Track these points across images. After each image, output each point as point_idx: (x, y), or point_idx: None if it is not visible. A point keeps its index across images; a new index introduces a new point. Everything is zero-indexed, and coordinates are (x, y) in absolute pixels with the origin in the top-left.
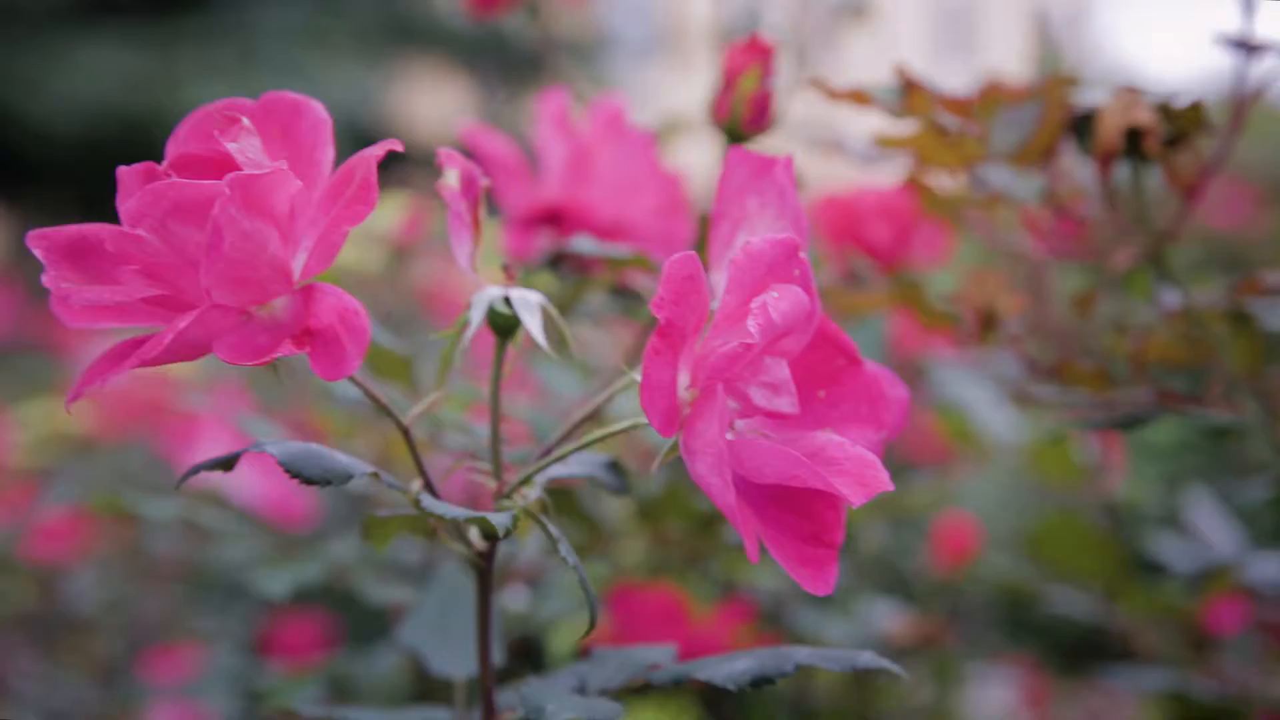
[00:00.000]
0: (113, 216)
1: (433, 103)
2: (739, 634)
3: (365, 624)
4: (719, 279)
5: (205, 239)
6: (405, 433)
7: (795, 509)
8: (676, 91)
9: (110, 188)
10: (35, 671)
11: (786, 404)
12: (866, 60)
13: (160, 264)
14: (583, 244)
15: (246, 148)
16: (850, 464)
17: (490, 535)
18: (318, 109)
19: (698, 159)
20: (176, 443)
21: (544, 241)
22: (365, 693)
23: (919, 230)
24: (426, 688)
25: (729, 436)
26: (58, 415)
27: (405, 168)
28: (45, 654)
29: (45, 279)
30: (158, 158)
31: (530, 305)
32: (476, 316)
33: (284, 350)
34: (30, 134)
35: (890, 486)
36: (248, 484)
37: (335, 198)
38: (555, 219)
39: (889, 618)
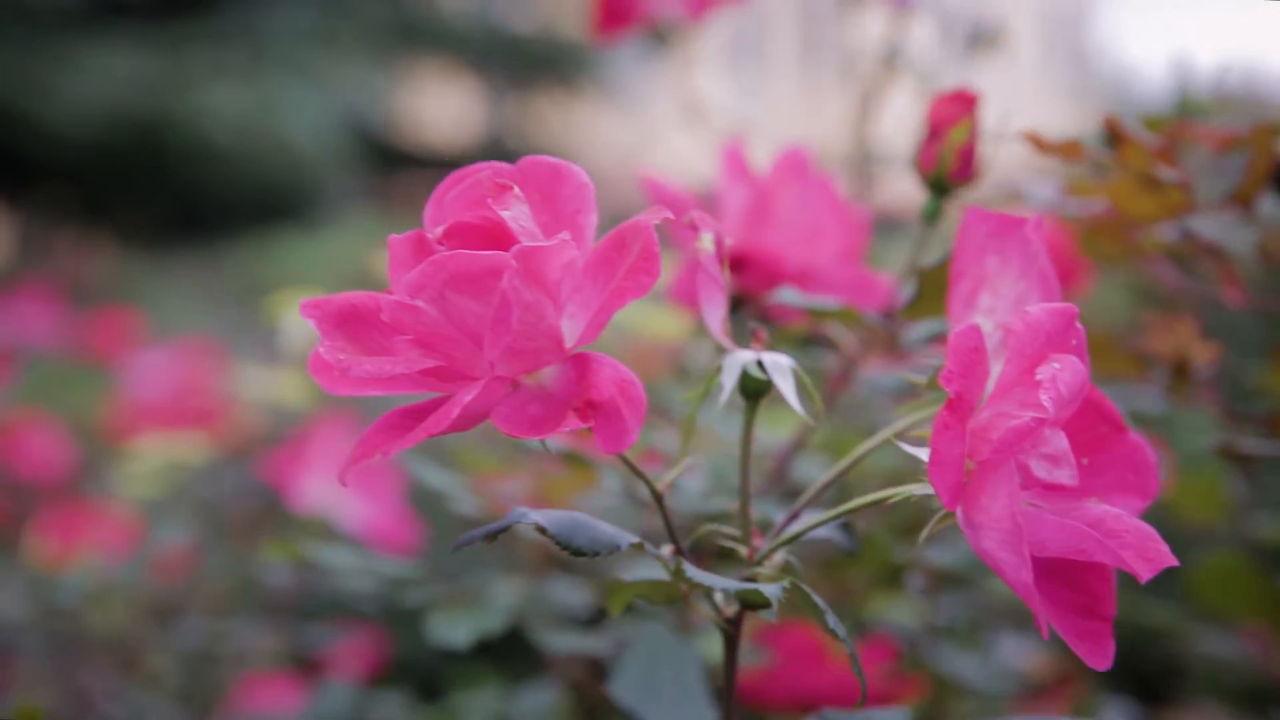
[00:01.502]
0: (115, 217)
1: (441, 105)
2: (879, 672)
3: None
4: None
5: (492, 312)
6: (658, 499)
7: (1068, 582)
8: (681, 92)
9: (118, 190)
10: (125, 695)
11: (1066, 476)
12: None
13: (435, 335)
14: (787, 295)
15: (519, 216)
16: (1131, 536)
17: (757, 606)
18: (579, 174)
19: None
20: (285, 470)
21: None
22: None
23: (1076, 269)
24: None
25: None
26: (171, 446)
27: (414, 173)
28: (139, 679)
29: (321, 349)
30: (166, 160)
31: (783, 369)
32: (729, 381)
33: (569, 424)
34: (39, 136)
35: (1175, 561)
36: (354, 510)
37: (607, 264)
38: (735, 265)
39: (1021, 655)
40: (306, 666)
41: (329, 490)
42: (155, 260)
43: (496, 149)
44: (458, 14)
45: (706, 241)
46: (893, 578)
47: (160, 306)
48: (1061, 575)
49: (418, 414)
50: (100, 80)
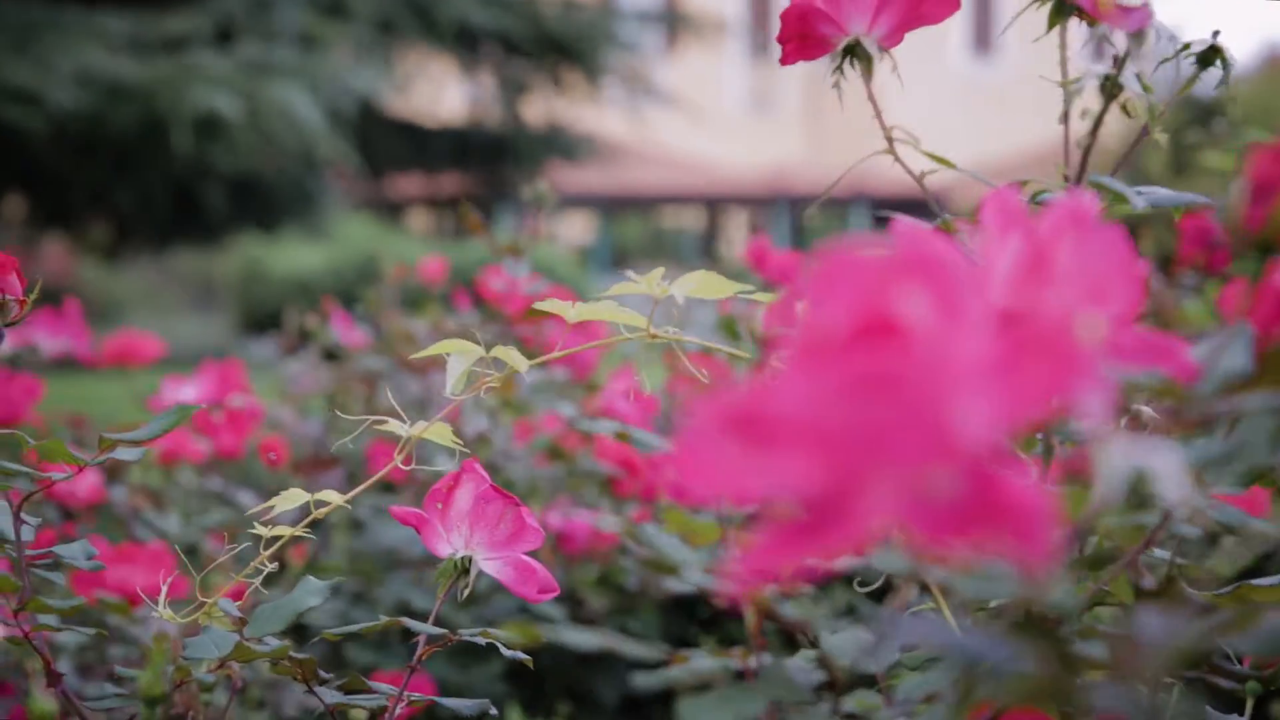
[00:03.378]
0: (112, 209)
1: (443, 94)
2: None
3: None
4: None
5: (899, 415)
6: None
7: None
8: (670, 71)
9: (117, 180)
10: None
11: None
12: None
13: (835, 438)
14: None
15: (918, 311)
16: None
17: None
18: (952, 260)
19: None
20: (425, 514)
21: None
22: None
23: None
24: None
25: None
26: (316, 491)
27: (423, 157)
28: None
29: (715, 454)
30: (167, 140)
31: (1171, 468)
32: (1114, 478)
33: (982, 531)
34: (28, 117)
35: None
36: (494, 561)
37: (1012, 365)
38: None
39: None
40: None
41: (467, 537)
42: (153, 258)
43: (498, 131)
44: (460, 4)
45: (1095, 325)
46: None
47: (161, 308)
48: None
49: (812, 523)
50: (96, 55)
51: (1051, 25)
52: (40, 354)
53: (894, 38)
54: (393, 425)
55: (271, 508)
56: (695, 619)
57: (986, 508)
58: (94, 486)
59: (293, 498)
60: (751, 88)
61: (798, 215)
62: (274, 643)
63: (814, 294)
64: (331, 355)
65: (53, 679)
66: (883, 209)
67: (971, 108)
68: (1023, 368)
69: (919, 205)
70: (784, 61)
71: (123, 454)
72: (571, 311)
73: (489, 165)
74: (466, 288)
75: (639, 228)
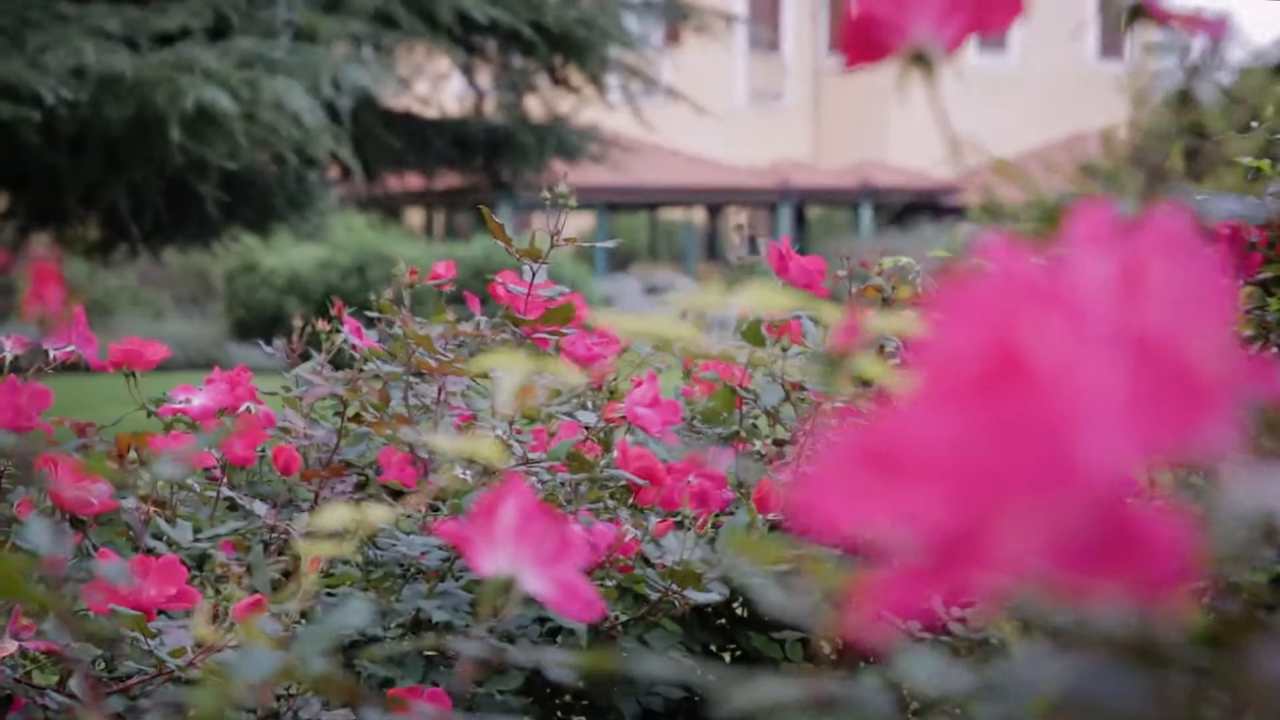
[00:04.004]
0: (109, 204)
1: (442, 89)
2: None
3: None
4: None
5: (1035, 449)
6: None
7: None
8: (673, 66)
9: (111, 175)
10: None
11: None
12: None
13: (968, 470)
14: None
15: (1048, 343)
16: None
17: None
18: (1075, 290)
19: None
20: (470, 531)
21: None
22: None
23: None
24: None
25: None
26: (360, 511)
27: (421, 154)
28: None
29: (848, 486)
30: (163, 132)
31: None
32: (1242, 513)
33: (1111, 567)
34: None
35: None
36: (537, 578)
37: (1151, 397)
38: None
39: None
40: None
41: (512, 555)
42: (142, 257)
43: (498, 127)
44: None
45: (1216, 351)
46: None
47: (149, 307)
48: None
49: (941, 559)
50: (90, 49)
51: (1124, 28)
52: (50, 360)
53: (957, 42)
54: (438, 440)
55: (291, 519)
56: (714, 630)
57: (1120, 541)
58: (105, 496)
59: (337, 515)
60: (754, 83)
61: (801, 211)
62: (317, 663)
63: (939, 326)
64: (338, 360)
65: (95, 696)
66: (887, 204)
67: (978, 105)
68: (1154, 398)
69: (922, 201)
70: (847, 66)
71: (163, 469)
72: (623, 324)
73: (488, 161)
74: (465, 287)
75: (640, 225)
